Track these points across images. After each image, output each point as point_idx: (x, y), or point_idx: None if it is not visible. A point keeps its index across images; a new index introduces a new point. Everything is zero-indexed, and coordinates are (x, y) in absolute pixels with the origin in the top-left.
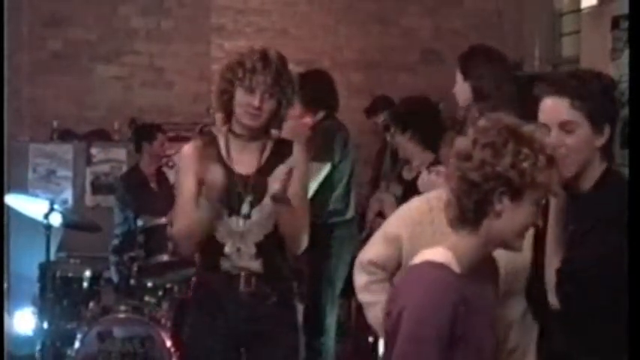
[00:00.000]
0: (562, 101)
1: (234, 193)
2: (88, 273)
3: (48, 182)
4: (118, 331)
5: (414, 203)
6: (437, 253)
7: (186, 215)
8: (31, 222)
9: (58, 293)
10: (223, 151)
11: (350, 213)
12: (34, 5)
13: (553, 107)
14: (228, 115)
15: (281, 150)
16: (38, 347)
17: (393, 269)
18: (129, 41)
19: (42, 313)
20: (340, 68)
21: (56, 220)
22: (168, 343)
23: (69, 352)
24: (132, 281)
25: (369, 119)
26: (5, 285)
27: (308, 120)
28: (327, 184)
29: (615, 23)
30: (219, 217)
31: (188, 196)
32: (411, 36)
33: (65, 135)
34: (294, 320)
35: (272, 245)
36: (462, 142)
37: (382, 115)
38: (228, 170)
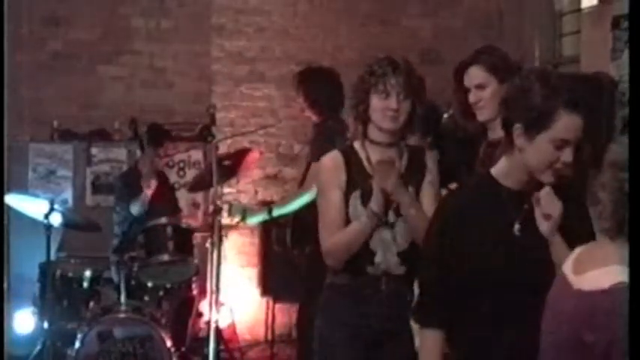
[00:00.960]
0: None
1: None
2: (88, 273)
3: (48, 182)
4: (118, 331)
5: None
6: (623, 272)
7: (338, 228)
8: (31, 222)
9: (58, 293)
10: (365, 162)
11: None
12: (34, 5)
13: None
14: (365, 125)
15: (416, 156)
16: (38, 347)
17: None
18: (129, 41)
19: (42, 313)
20: (340, 68)
21: (56, 220)
22: (169, 343)
23: (69, 352)
24: (132, 281)
25: None
26: (5, 285)
27: (312, 117)
28: None
29: (615, 23)
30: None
31: (338, 208)
32: (411, 36)
33: (65, 135)
34: None
35: (414, 252)
36: (617, 152)
37: None
38: (369, 177)
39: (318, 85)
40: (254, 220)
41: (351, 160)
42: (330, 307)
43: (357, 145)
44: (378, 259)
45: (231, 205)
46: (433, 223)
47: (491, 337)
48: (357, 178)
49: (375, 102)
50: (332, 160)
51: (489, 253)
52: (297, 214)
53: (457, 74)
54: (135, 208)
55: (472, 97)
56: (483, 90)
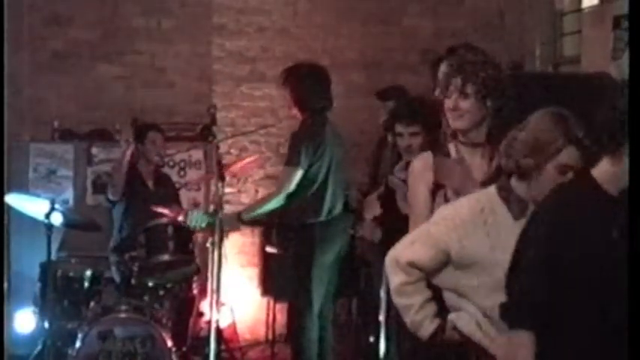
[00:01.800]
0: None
1: None
2: (88, 272)
3: (49, 182)
4: (118, 331)
5: (464, 203)
6: None
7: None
8: (32, 221)
9: (58, 293)
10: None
11: (324, 214)
12: (34, 5)
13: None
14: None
15: None
16: (39, 347)
17: (433, 271)
18: (130, 41)
19: (43, 313)
20: (341, 68)
21: (57, 219)
22: (169, 343)
23: (70, 351)
24: (133, 281)
25: (381, 101)
26: (5, 285)
27: (297, 114)
28: (299, 186)
29: (616, 23)
30: None
31: (423, 206)
32: (411, 36)
33: (66, 135)
34: None
35: None
36: None
37: (391, 104)
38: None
39: (302, 82)
40: (224, 225)
41: (441, 160)
42: None
43: (451, 145)
44: None
45: (193, 214)
46: (538, 226)
47: (592, 344)
48: (444, 177)
49: (445, 103)
50: (422, 159)
51: (592, 259)
52: (281, 215)
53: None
54: (110, 195)
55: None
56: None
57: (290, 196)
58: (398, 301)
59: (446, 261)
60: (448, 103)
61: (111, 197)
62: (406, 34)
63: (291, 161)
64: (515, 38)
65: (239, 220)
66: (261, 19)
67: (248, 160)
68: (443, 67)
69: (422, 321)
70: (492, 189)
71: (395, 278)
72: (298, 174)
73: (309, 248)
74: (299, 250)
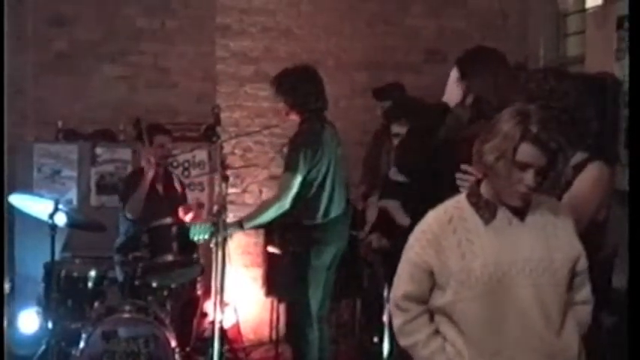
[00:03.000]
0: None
1: None
2: (92, 273)
3: (53, 182)
4: (122, 331)
5: (431, 217)
6: None
7: None
8: (35, 222)
9: (62, 293)
10: None
11: (320, 216)
12: (38, 5)
13: None
14: None
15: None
16: (43, 347)
17: (426, 297)
18: (133, 41)
19: (47, 313)
20: (344, 68)
21: (61, 220)
22: (173, 343)
23: (74, 351)
24: (137, 281)
25: (377, 100)
26: (8, 285)
27: (295, 118)
28: (298, 190)
29: (620, 23)
30: None
31: None
32: (414, 36)
33: (70, 135)
34: None
35: None
36: None
37: (388, 103)
38: None
39: (296, 85)
40: (225, 234)
41: None
42: None
43: None
44: None
45: (194, 225)
46: None
47: None
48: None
49: None
50: None
51: None
52: (280, 216)
53: None
54: (129, 214)
55: None
56: None
57: (290, 200)
58: (403, 342)
59: (433, 281)
60: None
61: (129, 216)
62: (409, 35)
63: (290, 167)
64: (518, 38)
65: (241, 228)
66: (265, 20)
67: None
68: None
69: (431, 356)
70: (461, 196)
71: (396, 320)
72: (298, 180)
73: (305, 249)
74: (296, 250)
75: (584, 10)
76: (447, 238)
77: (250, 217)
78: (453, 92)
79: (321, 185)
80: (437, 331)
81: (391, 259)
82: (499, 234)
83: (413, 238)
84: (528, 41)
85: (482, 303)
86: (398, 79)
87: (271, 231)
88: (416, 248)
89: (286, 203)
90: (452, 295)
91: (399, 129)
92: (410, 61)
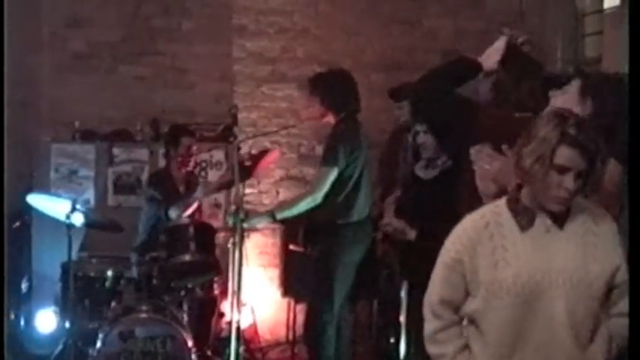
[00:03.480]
0: None
1: None
2: (109, 273)
3: (70, 182)
4: (139, 331)
5: (468, 221)
6: None
7: None
8: (53, 222)
9: (79, 293)
10: None
11: (355, 215)
12: (55, 6)
13: None
14: None
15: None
16: (60, 347)
17: (460, 304)
18: (151, 42)
19: (64, 313)
20: (361, 69)
21: (78, 219)
22: (190, 343)
23: (91, 351)
24: (154, 281)
25: (394, 101)
26: (26, 284)
27: (330, 120)
28: (333, 186)
29: None
30: None
31: None
32: (432, 37)
33: (87, 135)
34: None
35: None
36: None
37: (406, 103)
38: None
39: (332, 87)
40: (255, 223)
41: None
42: None
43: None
44: None
45: (228, 212)
46: None
47: None
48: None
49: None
50: None
51: None
52: (309, 214)
53: None
54: (174, 213)
55: None
56: None
57: (324, 197)
58: (431, 349)
59: (466, 286)
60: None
61: (173, 216)
62: (427, 35)
63: (327, 161)
64: (536, 39)
65: (272, 219)
66: (282, 20)
67: (266, 157)
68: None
69: None
70: (501, 201)
71: (428, 325)
72: (334, 174)
73: (337, 248)
74: (327, 249)
75: (601, 10)
76: (483, 244)
77: (283, 208)
78: (491, 58)
79: (357, 184)
80: (466, 346)
81: (409, 259)
82: (535, 242)
83: (449, 242)
84: (546, 42)
85: (512, 313)
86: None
87: (296, 229)
88: (452, 252)
89: (319, 197)
90: (482, 303)
91: (418, 127)
92: (427, 61)
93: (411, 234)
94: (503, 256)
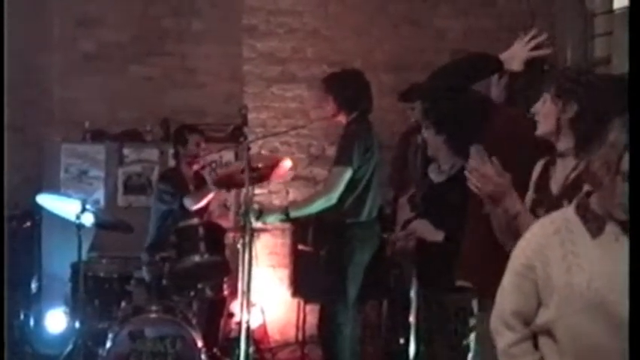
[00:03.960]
0: None
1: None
2: (119, 273)
3: (80, 182)
4: (149, 331)
5: (537, 227)
6: None
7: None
8: (63, 222)
9: (89, 293)
10: (552, 171)
11: (365, 215)
12: (65, 6)
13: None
14: None
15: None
16: (70, 346)
17: (532, 316)
18: (160, 42)
19: (74, 313)
20: (371, 69)
21: (88, 220)
22: (200, 343)
23: (100, 351)
24: (163, 281)
25: (402, 102)
26: (35, 284)
27: (342, 119)
28: (346, 187)
29: None
30: None
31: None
32: (442, 37)
33: (97, 135)
34: None
35: None
36: None
37: (418, 104)
38: (547, 187)
39: (346, 86)
40: (269, 220)
41: (548, 168)
42: None
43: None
44: None
45: (245, 206)
46: None
47: None
48: (541, 184)
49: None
50: (539, 164)
51: None
52: (319, 214)
53: None
54: (189, 202)
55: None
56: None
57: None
58: None
59: (538, 295)
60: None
61: (190, 206)
62: (437, 35)
63: (341, 161)
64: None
65: (286, 216)
66: (292, 21)
67: (277, 170)
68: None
69: None
70: (569, 208)
71: (501, 339)
72: (349, 174)
73: (347, 248)
74: (336, 249)
75: (611, 11)
76: (553, 250)
77: (298, 206)
78: (515, 60)
79: (368, 184)
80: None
81: (423, 259)
82: (604, 250)
83: (518, 249)
84: (556, 42)
85: (585, 319)
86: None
87: (305, 229)
88: (522, 259)
89: (334, 197)
90: (555, 311)
91: (429, 129)
92: (437, 62)
93: (439, 235)
94: (575, 261)
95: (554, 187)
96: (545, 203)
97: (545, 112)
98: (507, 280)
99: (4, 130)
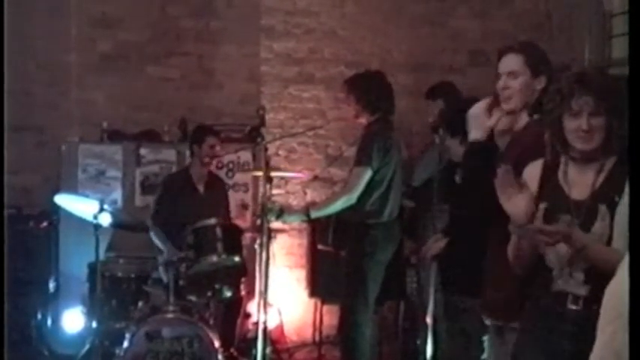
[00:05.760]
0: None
1: (566, 219)
2: (136, 273)
3: (97, 182)
4: (166, 331)
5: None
6: None
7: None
8: (80, 222)
9: (107, 293)
10: (561, 176)
11: (386, 215)
12: (82, 6)
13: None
14: (565, 141)
15: (617, 173)
16: (87, 346)
17: None
18: (178, 42)
19: (91, 313)
20: (389, 70)
21: (105, 220)
22: (217, 344)
23: (117, 351)
24: (181, 281)
25: (430, 100)
26: (53, 284)
27: (363, 121)
28: (366, 186)
29: None
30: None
31: (521, 212)
32: (459, 37)
33: (115, 136)
34: None
35: (601, 271)
36: None
37: (440, 102)
38: (562, 193)
39: (368, 88)
40: (290, 220)
41: (550, 172)
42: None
43: (562, 158)
44: (555, 274)
45: (266, 205)
46: None
47: None
48: (548, 190)
49: (567, 122)
50: (533, 167)
51: None
52: (339, 214)
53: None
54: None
55: (501, 83)
56: (515, 79)
57: (358, 196)
58: None
59: None
60: (575, 124)
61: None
62: (454, 36)
63: (362, 161)
64: (563, 40)
65: (307, 217)
66: (309, 21)
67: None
68: (559, 84)
69: None
70: None
71: None
72: (369, 174)
73: (369, 249)
74: (357, 249)
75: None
76: None
77: (319, 207)
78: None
79: (389, 185)
80: None
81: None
82: None
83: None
84: (573, 43)
85: None
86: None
87: (326, 229)
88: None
89: (355, 197)
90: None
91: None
92: (455, 62)
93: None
94: None
95: (577, 191)
96: (563, 209)
97: (601, 126)
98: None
99: (4, 130)
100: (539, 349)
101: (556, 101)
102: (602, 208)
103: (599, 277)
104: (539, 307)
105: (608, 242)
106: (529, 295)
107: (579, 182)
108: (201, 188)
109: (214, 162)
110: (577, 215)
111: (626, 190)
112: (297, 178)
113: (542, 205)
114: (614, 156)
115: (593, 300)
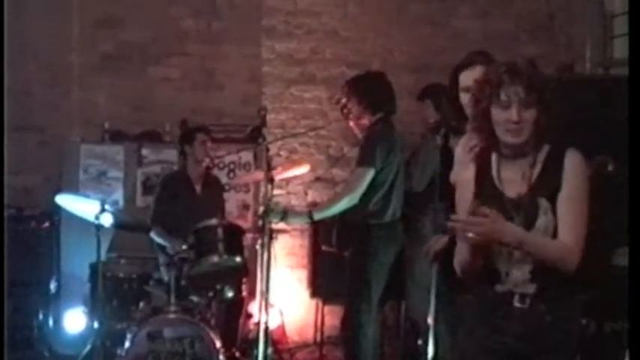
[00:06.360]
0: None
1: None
2: (138, 273)
3: (99, 183)
4: (167, 332)
5: None
6: None
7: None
8: (81, 222)
9: (108, 293)
10: (494, 174)
11: (389, 216)
12: (84, 7)
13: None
14: (493, 137)
15: (553, 162)
16: (88, 346)
17: None
18: (180, 43)
19: (92, 313)
20: (390, 70)
21: (107, 220)
22: (218, 344)
23: (119, 351)
24: (182, 282)
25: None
26: (54, 285)
27: (365, 121)
28: (369, 187)
29: None
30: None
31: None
32: (461, 38)
33: (116, 136)
34: (569, 344)
35: (547, 268)
36: None
37: (429, 102)
38: (499, 193)
39: (370, 89)
40: (293, 222)
41: (483, 172)
42: (469, 322)
43: (493, 157)
44: (502, 274)
45: (269, 207)
46: None
47: None
48: (484, 191)
49: (495, 114)
50: (466, 170)
51: None
52: (343, 215)
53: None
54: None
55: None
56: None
57: (361, 197)
58: None
59: None
60: (505, 115)
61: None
62: (455, 36)
63: (364, 161)
64: (565, 40)
65: (310, 219)
66: (311, 21)
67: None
68: (488, 75)
69: None
70: None
71: None
72: (371, 174)
73: (372, 249)
74: (361, 250)
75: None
76: None
77: (321, 208)
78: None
79: (392, 185)
80: None
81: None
82: None
83: None
84: (575, 43)
85: None
86: (444, 82)
87: (329, 230)
88: None
89: (357, 197)
90: None
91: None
92: (456, 62)
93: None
94: None
95: (514, 189)
96: (502, 209)
97: (530, 119)
98: None
99: (4, 130)
100: (485, 348)
101: (485, 91)
102: (543, 202)
103: (545, 274)
104: (486, 307)
105: (555, 235)
106: (475, 295)
107: (514, 179)
108: (198, 188)
109: (207, 160)
110: (518, 213)
111: (564, 177)
112: (299, 177)
113: (473, 200)
114: (546, 145)
115: (540, 298)
